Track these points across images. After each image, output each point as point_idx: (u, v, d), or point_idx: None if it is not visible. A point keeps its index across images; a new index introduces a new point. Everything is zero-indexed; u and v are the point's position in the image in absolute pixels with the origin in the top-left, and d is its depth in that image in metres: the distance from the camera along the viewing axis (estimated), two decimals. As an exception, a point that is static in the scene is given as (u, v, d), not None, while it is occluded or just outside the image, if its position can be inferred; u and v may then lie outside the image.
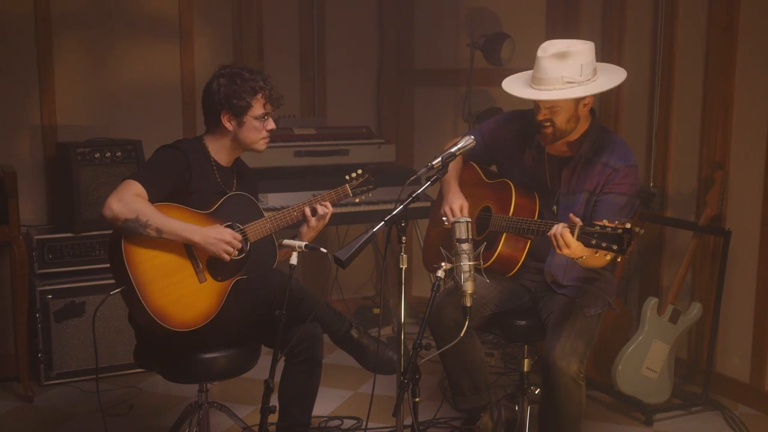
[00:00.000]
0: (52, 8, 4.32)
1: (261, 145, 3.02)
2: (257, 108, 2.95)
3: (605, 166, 3.01)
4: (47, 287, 4.04)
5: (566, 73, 2.87)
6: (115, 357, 4.15)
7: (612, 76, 3.00)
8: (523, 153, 3.21)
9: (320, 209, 3.07)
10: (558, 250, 2.71)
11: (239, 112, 2.93)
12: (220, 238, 2.82)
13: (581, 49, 2.90)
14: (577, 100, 2.95)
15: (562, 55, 2.87)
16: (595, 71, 2.95)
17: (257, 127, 2.97)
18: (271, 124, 3.01)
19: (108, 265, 3.98)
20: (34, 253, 4.04)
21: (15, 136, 4.32)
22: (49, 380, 4.07)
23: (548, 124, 2.98)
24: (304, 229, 3.12)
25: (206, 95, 2.98)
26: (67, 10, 4.39)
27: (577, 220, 2.65)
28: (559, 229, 2.67)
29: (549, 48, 2.91)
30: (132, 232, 2.71)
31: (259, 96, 2.95)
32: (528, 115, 3.25)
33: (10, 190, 3.84)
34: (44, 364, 4.06)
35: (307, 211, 3.05)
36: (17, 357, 3.98)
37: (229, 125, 2.95)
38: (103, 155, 4.15)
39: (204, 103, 2.99)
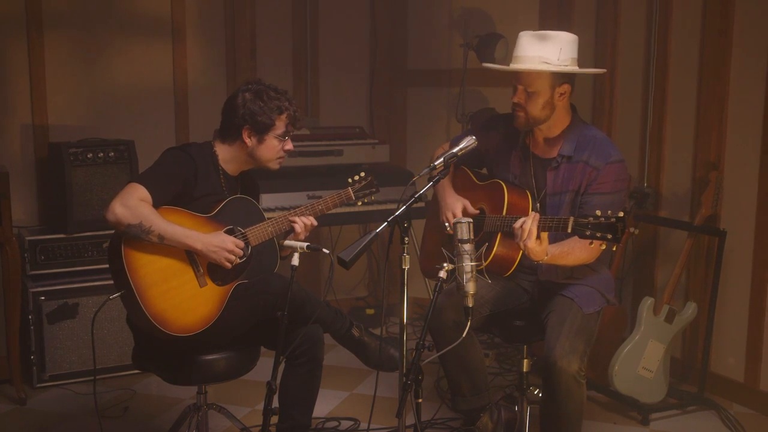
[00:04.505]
0: (43, 7, 4.28)
1: (275, 164, 3.01)
2: (280, 127, 2.94)
3: (586, 164, 3.03)
4: (39, 288, 4.00)
5: (544, 53, 2.95)
6: (109, 359, 4.12)
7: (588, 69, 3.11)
8: (510, 155, 3.22)
9: (306, 221, 3.03)
10: (519, 241, 2.77)
11: (262, 130, 2.92)
12: (222, 246, 2.80)
13: (563, 36, 2.98)
14: (553, 87, 2.99)
15: (542, 37, 2.96)
16: (574, 62, 3.00)
17: (276, 147, 2.96)
18: (289, 145, 3.00)
19: (102, 266, 4.05)
20: (26, 254, 3.99)
21: (6, 136, 4.28)
22: (41, 382, 4.03)
23: (520, 108, 3.03)
24: (290, 238, 3.10)
25: (229, 108, 2.95)
26: (59, 10, 4.35)
27: (533, 214, 2.74)
28: (526, 222, 2.74)
29: (531, 32, 2.99)
30: (134, 237, 2.69)
31: (284, 116, 2.94)
32: (511, 118, 3.26)
33: (3, 190, 3.79)
34: (37, 366, 4.02)
35: (299, 222, 3.01)
36: (9, 359, 3.93)
37: (248, 141, 2.93)
38: (96, 155, 4.11)
39: (226, 115, 2.96)
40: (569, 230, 2.68)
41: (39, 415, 3.81)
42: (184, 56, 4.69)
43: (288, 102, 2.95)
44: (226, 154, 2.98)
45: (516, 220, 2.99)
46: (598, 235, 2.60)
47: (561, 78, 2.99)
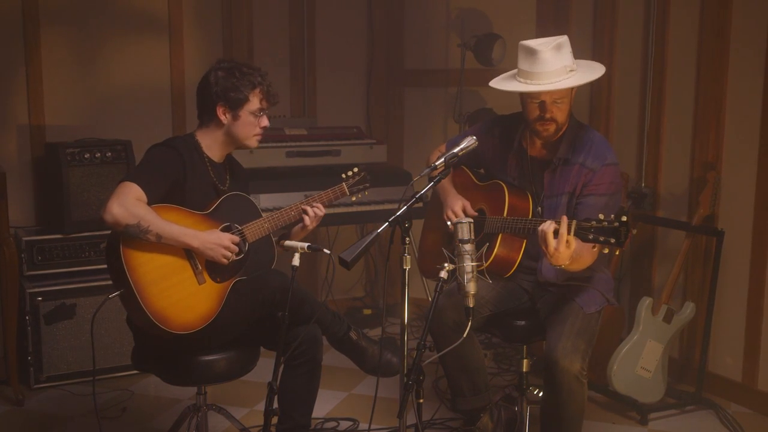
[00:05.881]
0: (39, 6, 4.27)
1: (253, 141, 3.00)
2: (254, 102, 2.93)
3: (582, 166, 3.03)
4: (37, 289, 3.98)
5: (565, 62, 2.94)
6: (106, 360, 4.10)
7: (589, 64, 3.08)
8: (507, 158, 3.22)
9: (317, 211, 3.06)
10: (544, 248, 2.70)
11: (235, 106, 2.91)
12: (219, 243, 2.81)
13: (566, 39, 2.98)
14: (572, 90, 3.01)
15: (558, 46, 2.94)
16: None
17: (252, 123, 2.95)
18: (265, 122, 2.99)
19: (99, 267, 4.03)
20: (23, 255, 3.98)
21: (3, 137, 4.27)
22: (38, 383, 4.01)
23: (551, 121, 3.00)
24: (297, 229, 3.12)
25: (202, 87, 2.94)
26: (55, 8, 4.34)
27: (564, 218, 2.67)
28: (549, 226, 2.69)
29: (536, 43, 2.95)
30: (132, 236, 2.68)
31: (257, 91, 2.93)
32: (507, 120, 3.28)
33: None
34: (34, 367, 4.00)
35: (310, 212, 3.03)
36: (6, 360, 3.92)
37: (223, 118, 2.92)
38: (93, 155, 4.10)
39: (200, 95, 2.96)
40: (571, 233, 2.66)
41: (36, 416, 3.80)
42: (181, 56, 4.68)
43: (260, 77, 2.95)
44: (207, 139, 2.97)
45: (518, 222, 2.99)
46: (601, 239, 2.58)
47: None
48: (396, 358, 3.12)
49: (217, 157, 3.01)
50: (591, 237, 2.61)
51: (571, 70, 2.94)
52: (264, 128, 3.00)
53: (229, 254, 2.84)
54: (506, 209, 3.12)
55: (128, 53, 4.55)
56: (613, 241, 2.57)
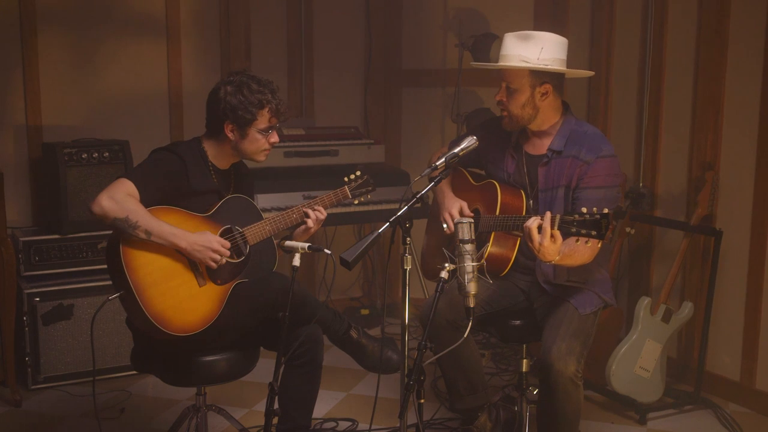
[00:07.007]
0: (37, 7, 4.26)
1: (261, 156, 2.98)
2: (262, 121, 2.90)
3: (576, 159, 3.02)
4: (34, 290, 3.97)
5: (524, 52, 2.97)
6: (104, 360, 4.09)
7: (576, 71, 3.09)
8: (505, 154, 3.23)
9: (318, 215, 3.06)
10: (530, 244, 2.71)
11: (243, 124, 2.88)
12: (207, 245, 2.77)
13: (546, 36, 3.00)
14: (533, 86, 3.01)
15: (525, 36, 2.99)
16: (561, 63, 3.01)
17: (259, 140, 2.92)
18: (274, 138, 2.96)
19: (97, 267, 4.03)
20: (20, 255, 3.96)
21: (0, 137, 4.25)
22: (36, 384, 4.00)
23: (504, 107, 3.08)
24: (300, 232, 3.11)
25: (212, 100, 2.91)
26: (53, 9, 4.32)
27: (548, 213, 2.68)
28: (532, 222, 2.69)
29: (516, 32, 3.02)
30: (119, 230, 2.67)
31: (266, 110, 2.89)
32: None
33: (-3, 190, 3.78)
34: (32, 368, 3.99)
35: (312, 215, 3.02)
36: (4, 361, 3.91)
37: (231, 135, 2.90)
38: (91, 156, 4.09)
39: (209, 108, 2.93)
40: (554, 227, 2.67)
41: (34, 416, 3.78)
42: (178, 57, 4.67)
43: (270, 94, 2.90)
44: (213, 150, 2.96)
45: (509, 220, 3.00)
46: (583, 231, 2.58)
47: (541, 77, 3.00)
48: (396, 355, 3.12)
49: (222, 164, 3.00)
50: (573, 230, 2.61)
51: (523, 61, 2.97)
52: (273, 144, 2.98)
53: (218, 257, 2.79)
54: (498, 207, 3.13)
55: (126, 54, 4.54)
56: (594, 233, 2.57)
